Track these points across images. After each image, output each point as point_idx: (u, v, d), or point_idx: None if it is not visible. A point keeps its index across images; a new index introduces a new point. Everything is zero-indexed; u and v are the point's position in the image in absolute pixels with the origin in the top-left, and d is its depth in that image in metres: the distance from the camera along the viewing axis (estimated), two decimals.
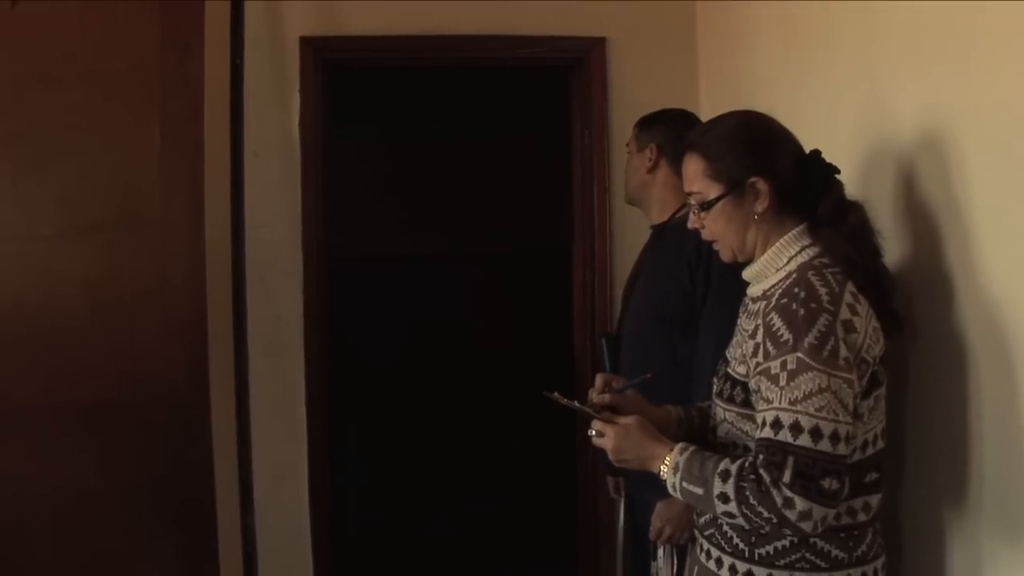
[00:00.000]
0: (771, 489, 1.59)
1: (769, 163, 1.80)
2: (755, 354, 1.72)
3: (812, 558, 1.71)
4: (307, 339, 3.37)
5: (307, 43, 3.36)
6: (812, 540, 1.70)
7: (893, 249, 1.96)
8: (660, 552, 2.45)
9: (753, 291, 1.87)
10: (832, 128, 2.29)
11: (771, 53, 2.80)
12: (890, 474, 1.89)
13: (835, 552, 1.72)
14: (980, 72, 1.76)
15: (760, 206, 1.80)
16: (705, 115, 3.28)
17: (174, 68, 3.02)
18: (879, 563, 1.77)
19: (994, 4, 1.69)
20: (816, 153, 1.84)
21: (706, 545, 1.86)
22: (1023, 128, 1.63)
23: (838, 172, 1.84)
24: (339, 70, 3.50)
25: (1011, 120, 1.67)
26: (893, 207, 2.04)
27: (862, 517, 1.75)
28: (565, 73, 3.64)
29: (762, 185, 1.79)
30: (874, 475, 1.77)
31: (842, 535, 1.72)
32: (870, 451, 1.75)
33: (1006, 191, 1.70)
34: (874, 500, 1.77)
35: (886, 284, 1.81)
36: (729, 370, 1.85)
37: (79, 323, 2.99)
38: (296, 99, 3.36)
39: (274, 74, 3.34)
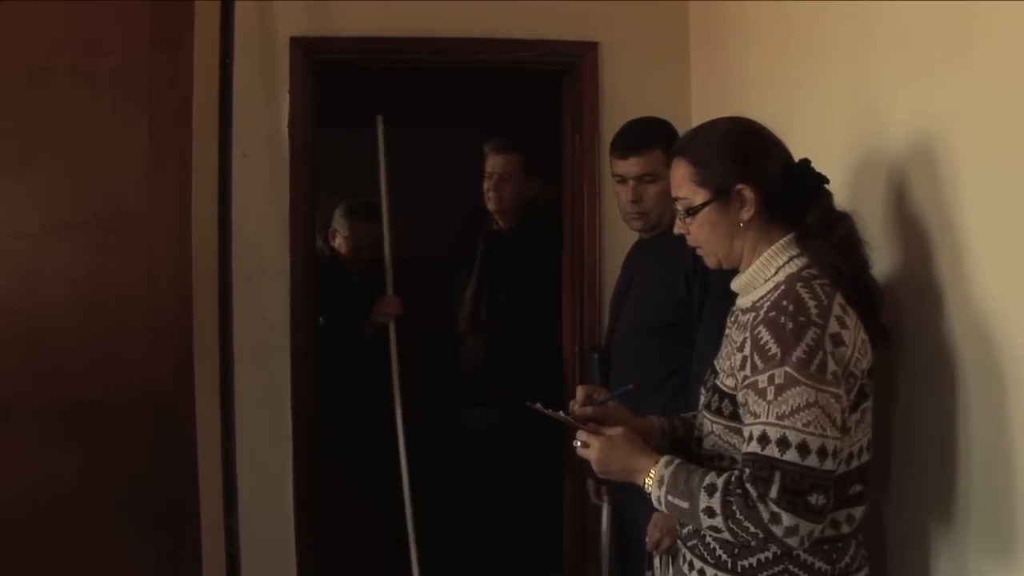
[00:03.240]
0: (758, 504, 1.58)
1: (757, 171, 1.79)
2: (743, 367, 1.71)
3: (795, 570, 1.70)
4: (293, 341, 3.34)
5: (297, 43, 3.33)
6: (795, 552, 1.68)
7: (883, 259, 1.95)
8: (656, 563, 2.44)
9: (742, 302, 1.85)
10: (824, 134, 2.28)
11: (763, 59, 2.79)
12: (876, 486, 1.88)
13: (818, 564, 1.70)
14: (973, 80, 1.75)
15: (746, 214, 1.79)
16: (696, 121, 3.28)
17: (163, 66, 3.00)
18: (862, 575, 1.76)
19: (988, 12, 1.68)
20: (805, 162, 1.83)
21: (688, 556, 1.85)
22: (1015, 137, 1.62)
23: (827, 182, 1.82)
24: (329, 71, 3.48)
25: (1003, 129, 1.65)
26: (883, 216, 2.02)
27: (845, 529, 1.74)
28: (557, 78, 3.62)
29: (749, 193, 1.78)
30: (858, 487, 1.75)
31: (825, 547, 1.71)
32: (855, 464, 1.74)
33: (997, 201, 1.69)
34: (857, 512, 1.76)
35: (874, 296, 1.79)
36: (717, 382, 1.83)
37: (63, 322, 2.97)
38: (286, 99, 3.33)
39: (264, 74, 3.32)
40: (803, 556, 1.70)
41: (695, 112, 3.38)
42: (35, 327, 2.95)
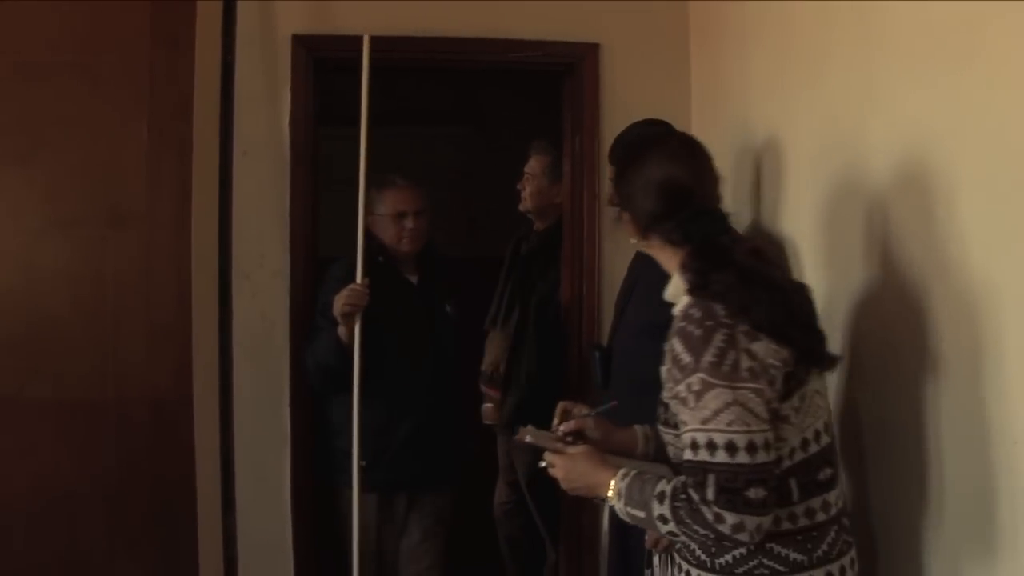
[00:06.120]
0: (701, 507, 1.61)
1: (626, 196, 1.85)
2: (668, 379, 1.74)
3: (770, 563, 1.71)
4: (292, 340, 3.33)
5: (299, 41, 3.33)
6: (768, 546, 1.70)
7: (877, 260, 1.96)
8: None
9: (676, 312, 1.85)
10: (824, 137, 2.28)
11: (764, 62, 2.78)
12: (861, 482, 1.90)
13: (793, 555, 1.71)
14: (976, 86, 1.75)
15: (631, 235, 1.85)
16: (696, 123, 3.30)
17: (164, 63, 3.00)
18: (846, 560, 1.76)
19: (992, 19, 1.68)
20: (673, 181, 1.81)
21: (677, 559, 1.88)
22: (1016, 142, 1.62)
23: (699, 199, 1.82)
24: (331, 69, 3.47)
25: (1005, 135, 1.65)
26: (883, 218, 2.03)
27: (821, 517, 1.74)
28: (559, 78, 3.62)
29: (625, 216, 1.84)
30: (828, 471, 1.76)
31: (799, 538, 1.72)
32: (814, 448, 1.74)
33: (995, 204, 1.69)
34: (832, 497, 1.76)
35: (781, 318, 1.71)
36: (663, 394, 1.84)
37: (62, 319, 2.97)
38: (287, 98, 3.33)
39: (265, 72, 3.31)
40: (777, 549, 1.70)
41: (695, 113, 3.37)
42: (34, 323, 2.95)
